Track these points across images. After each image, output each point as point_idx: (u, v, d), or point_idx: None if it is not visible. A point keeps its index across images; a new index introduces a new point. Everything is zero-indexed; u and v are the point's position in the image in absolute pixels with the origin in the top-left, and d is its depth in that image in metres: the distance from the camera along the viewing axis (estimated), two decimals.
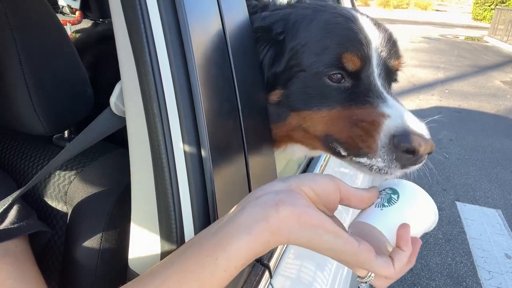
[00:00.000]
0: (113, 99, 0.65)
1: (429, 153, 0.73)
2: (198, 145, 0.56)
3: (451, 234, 3.40)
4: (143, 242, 0.64)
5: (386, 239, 0.60)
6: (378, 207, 0.64)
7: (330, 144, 0.81)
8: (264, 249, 0.52)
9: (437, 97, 7.25)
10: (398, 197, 0.64)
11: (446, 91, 7.74)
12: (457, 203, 3.90)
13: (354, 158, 0.78)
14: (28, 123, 0.78)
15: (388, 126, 0.74)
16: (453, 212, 3.73)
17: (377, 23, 0.88)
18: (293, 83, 0.83)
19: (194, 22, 0.58)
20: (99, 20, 2.26)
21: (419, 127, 0.73)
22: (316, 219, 0.54)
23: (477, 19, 22.82)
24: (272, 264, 0.77)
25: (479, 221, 3.61)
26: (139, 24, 0.55)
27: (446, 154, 4.96)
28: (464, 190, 4.16)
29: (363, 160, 0.76)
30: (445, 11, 29.43)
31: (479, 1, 22.91)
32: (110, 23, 0.60)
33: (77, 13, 2.23)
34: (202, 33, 0.60)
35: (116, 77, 0.63)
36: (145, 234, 0.64)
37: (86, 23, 2.32)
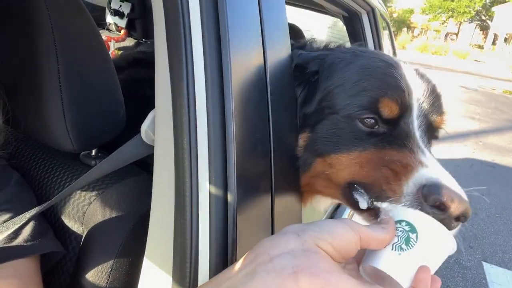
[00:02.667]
0: (144, 127, 0.64)
1: (462, 216, 0.63)
2: (225, 188, 0.53)
3: None
4: (154, 281, 0.61)
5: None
6: (395, 250, 0.57)
7: (352, 193, 0.74)
8: None
9: (470, 149, 7.01)
10: (416, 237, 0.57)
11: (480, 143, 7.49)
12: (484, 263, 3.67)
13: (374, 203, 0.69)
14: (58, 139, 0.77)
15: (421, 174, 0.66)
16: (479, 273, 3.51)
17: (421, 73, 0.84)
18: (322, 126, 0.79)
19: (236, 57, 0.56)
20: (142, 40, 2.33)
21: (456, 187, 0.65)
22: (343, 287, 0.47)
23: None
24: None
25: (507, 286, 3.38)
26: (181, 56, 0.54)
27: (475, 210, 4.74)
28: (492, 251, 3.92)
29: (384, 205, 0.67)
30: (484, 62, 29.02)
31: None
32: (151, 44, 0.59)
33: (122, 31, 2.31)
34: (243, 69, 0.58)
35: (137, 103, 0.61)
36: (157, 273, 0.60)
37: (130, 42, 2.40)
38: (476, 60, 29.05)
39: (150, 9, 0.58)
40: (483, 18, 45.34)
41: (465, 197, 0.64)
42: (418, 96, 0.78)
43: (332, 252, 0.50)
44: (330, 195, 0.82)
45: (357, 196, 0.72)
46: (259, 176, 0.63)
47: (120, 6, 2.25)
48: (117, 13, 2.26)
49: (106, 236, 0.78)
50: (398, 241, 0.57)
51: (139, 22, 2.26)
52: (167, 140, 0.57)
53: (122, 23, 2.28)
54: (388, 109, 0.74)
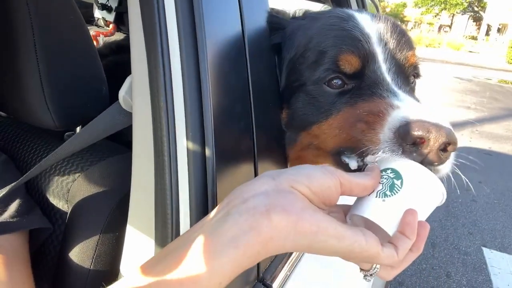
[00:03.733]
0: (122, 93, 0.63)
1: (447, 144, 0.58)
2: (202, 142, 0.52)
3: (475, 281, 3.18)
4: (137, 247, 0.60)
5: (389, 234, 0.54)
6: (379, 196, 0.55)
7: (341, 158, 0.72)
8: (253, 261, 0.45)
9: (467, 138, 7.02)
10: (401, 183, 0.55)
11: (477, 132, 7.50)
12: (484, 249, 3.68)
13: (359, 160, 0.67)
14: (38, 116, 0.76)
15: (394, 117, 0.63)
16: (479, 258, 3.51)
17: (379, 16, 0.80)
18: (296, 99, 0.77)
19: (211, 17, 0.55)
20: None
21: (433, 117, 0.61)
22: (316, 225, 0.46)
23: None
24: (276, 285, 0.70)
25: (507, 270, 3.38)
26: (153, 14, 0.53)
27: (474, 197, 4.74)
28: (491, 236, 3.93)
29: (368, 159, 0.64)
30: (478, 52, 29.06)
31: None
32: None
33: (111, 25, 2.29)
34: (218, 29, 0.57)
35: (119, 88, 0.60)
36: (140, 238, 0.59)
37: (119, 36, 2.39)
38: (470, 51, 29.11)
39: None
40: (476, 9, 45.46)
41: (444, 124, 0.60)
42: (379, 39, 0.74)
43: (309, 195, 0.49)
44: (322, 163, 0.80)
45: (345, 158, 0.71)
46: (240, 134, 0.62)
47: (108, 0, 2.23)
48: (104, 7, 2.25)
49: (91, 212, 0.77)
50: (382, 188, 0.56)
51: (127, 15, 2.25)
52: (144, 103, 0.56)
53: (110, 17, 2.26)
54: (348, 64, 0.72)
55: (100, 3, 2.24)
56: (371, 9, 2.49)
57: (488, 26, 47.01)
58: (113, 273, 0.69)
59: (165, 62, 0.53)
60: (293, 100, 0.78)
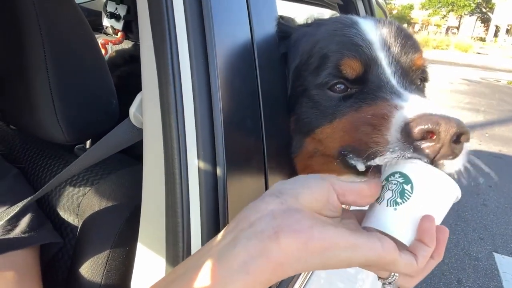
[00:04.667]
0: (132, 110, 0.63)
1: (460, 135, 0.56)
2: (214, 162, 0.52)
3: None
4: (148, 264, 0.59)
5: (405, 244, 0.51)
6: (390, 205, 0.52)
7: (347, 160, 0.70)
8: (264, 286, 0.44)
9: (476, 140, 6.94)
10: (412, 187, 0.52)
11: (486, 135, 7.42)
12: (495, 254, 3.62)
13: (368, 163, 0.65)
14: (49, 130, 0.76)
15: (398, 117, 0.60)
16: (491, 264, 3.46)
17: (384, 21, 0.79)
18: (300, 105, 0.77)
19: (220, 30, 0.55)
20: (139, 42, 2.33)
21: (439, 111, 0.58)
22: (328, 241, 0.44)
23: None
24: None
25: None
26: (164, 31, 0.53)
27: (484, 201, 4.68)
28: (503, 241, 3.87)
29: (377, 161, 0.62)
30: (487, 54, 28.80)
31: None
32: None
33: (119, 34, 2.31)
34: (228, 42, 0.57)
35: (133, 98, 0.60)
36: (151, 255, 0.59)
37: (127, 44, 2.40)
38: (478, 53, 28.85)
39: None
40: (484, 10, 45.11)
41: (452, 116, 0.57)
42: (382, 44, 0.74)
43: (314, 205, 0.48)
44: (331, 171, 0.77)
45: (352, 161, 0.69)
46: (251, 149, 0.61)
47: (116, 8, 2.25)
48: (113, 15, 2.26)
49: (102, 227, 0.77)
50: (392, 195, 0.53)
51: (135, 23, 2.26)
52: (155, 120, 0.56)
53: (119, 25, 2.28)
54: (350, 69, 0.71)
55: (109, 12, 2.26)
56: (379, 14, 2.48)
57: (497, 27, 46.59)
58: None
59: (175, 79, 0.53)
60: (297, 106, 0.78)
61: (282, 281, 0.72)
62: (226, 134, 0.53)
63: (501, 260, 3.52)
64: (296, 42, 0.81)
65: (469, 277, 3.27)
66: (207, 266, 0.43)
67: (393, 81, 0.71)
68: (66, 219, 0.80)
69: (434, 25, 52.18)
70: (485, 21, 48.32)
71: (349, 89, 0.72)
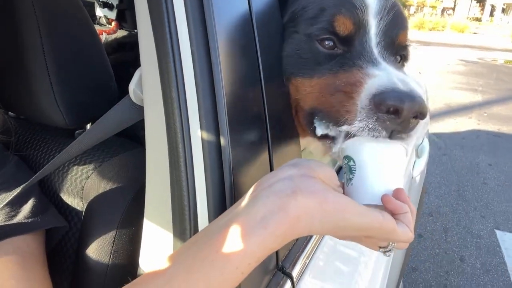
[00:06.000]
0: (132, 86, 0.62)
1: (420, 114, 0.61)
2: (217, 132, 0.51)
3: (490, 264, 3.16)
4: (155, 241, 0.60)
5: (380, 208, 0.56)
6: (347, 184, 0.59)
7: (313, 121, 0.73)
8: (281, 242, 0.47)
9: (475, 120, 6.94)
10: (354, 161, 0.59)
11: (485, 114, 7.41)
12: (497, 231, 3.65)
13: (336, 128, 0.68)
14: (49, 114, 0.76)
15: (370, 86, 0.64)
16: (493, 241, 3.49)
17: None
18: (287, 45, 0.77)
19: (219, 1, 0.54)
20: (134, 31, 2.30)
21: (408, 85, 0.63)
22: (340, 204, 0.49)
23: None
24: (295, 273, 0.70)
25: None
26: (160, 3, 0.52)
27: (484, 180, 4.70)
28: (504, 218, 3.90)
29: (344, 128, 0.66)
30: (483, 34, 28.60)
31: None
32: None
33: (113, 23, 2.28)
34: (226, 10, 0.56)
35: (124, 87, 0.60)
36: (158, 232, 0.59)
37: (122, 33, 2.37)
38: (474, 33, 28.68)
39: None
40: None
41: (418, 95, 0.62)
42: (375, 13, 0.76)
43: (325, 180, 0.53)
44: (302, 128, 0.80)
45: (316, 123, 0.73)
46: (253, 118, 0.61)
47: None
48: (106, 5, 2.23)
49: (107, 208, 0.77)
50: (346, 175, 0.59)
51: (129, 12, 2.24)
52: (155, 95, 0.56)
53: (112, 15, 2.25)
54: (343, 27, 0.73)
55: (101, 1, 2.22)
56: None
57: (492, 6, 46.24)
58: (132, 268, 0.69)
59: (174, 51, 0.52)
60: (285, 45, 0.78)
61: (285, 260, 0.72)
62: (228, 103, 0.53)
63: (503, 236, 3.55)
64: None
65: (471, 255, 3.30)
66: (229, 224, 0.46)
67: (375, 50, 0.73)
68: (70, 203, 0.80)
69: (430, 6, 51.76)
70: (481, 0, 47.92)
71: (336, 48, 0.74)
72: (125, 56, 1.10)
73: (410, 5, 52.60)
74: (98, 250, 0.74)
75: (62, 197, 0.81)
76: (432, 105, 7.78)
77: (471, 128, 6.48)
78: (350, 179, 0.59)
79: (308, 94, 0.73)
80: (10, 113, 0.94)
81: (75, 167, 0.80)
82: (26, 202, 0.76)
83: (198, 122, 0.51)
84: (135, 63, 0.62)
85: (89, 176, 0.79)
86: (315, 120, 0.72)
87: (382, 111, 0.61)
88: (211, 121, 0.51)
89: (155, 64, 0.54)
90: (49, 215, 0.78)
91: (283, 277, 0.67)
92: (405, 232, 0.54)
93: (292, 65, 0.76)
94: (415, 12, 42.31)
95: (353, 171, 0.59)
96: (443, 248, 3.38)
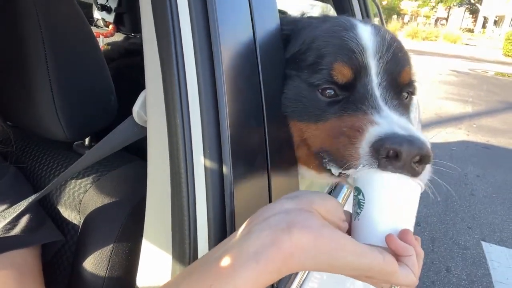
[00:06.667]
0: (136, 108, 0.63)
1: (421, 157, 0.61)
2: (220, 160, 0.53)
3: (475, 275, 3.21)
4: (154, 260, 0.60)
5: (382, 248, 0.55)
6: (355, 218, 0.59)
7: (323, 160, 0.74)
8: (274, 278, 0.46)
9: (464, 131, 7.04)
10: (363, 195, 0.59)
11: (474, 125, 7.52)
12: (483, 243, 3.71)
13: (342, 172, 0.69)
14: (50, 128, 0.76)
15: (371, 133, 0.65)
16: (478, 253, 3.54)
17: (379, 29, 0.81)
18: (288, 87, 0.78)
19: (225, 32, 0.56)
20: (131, 34, 2.30)
21: (409, 130, 0.64)
22: (335, 241, 0.48)
23: (508, 55, 22.40)
24: None
25: (506, 264, 3.41)
26: (168, 31, 0.53)
27: (472, 191, 4.77)
28: (490, 230, 3.96)
29: (350, 172, 0.67)
30: (475, 45, 29.02)
31: (511, 37, 22.54)
32: (141, 37, 0.58)
33: (111, 26, 2.28)
34: (232, 44, 0.58)
35: (130, 89, 0.61)
36: (157, 252, 0.60)
37: (119, 37, 2.37)
38: (466, 44, 29.08)
39: (138, 2, 0.57)
40: (472, 1, 45.38)
41: (418, 138, 0.62)
42: (374, 53, 0.76)
43: (325, 215, 0.52)
44: (308, 164, 0.81)
45: (328, 165, 0.73)
46: (254, 149, 0.62)
47: (107, 0, 2.22)
48: (104, 8, 2.23)
49: (104, 223, 0.77)
50: (354, 209, 0.59)
51: (127, 16, 2.24)
52: (159, 119, 0.57)
53: (110, 18, 2.25)
54: (341, 75, 0.73)
55: (100, 4, 2.22)
56: (371, 5, 2.49)
57: (485, 18, 46.96)
58: (128, 283, 0.70)
59: (180, 78, 0.53)
60: (286, 87, 0.79)
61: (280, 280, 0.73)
62: (232, 132, 0.54)
63: (488, 248, 3.61)
64: (301, 30, 0.83)
65: (457, 265, 3.34)
66: (222, 257, 0.46)
67: (377, 92, 0.74)
68: (67, 217, 0.80)
69: (423, 16, 52.36)
70: (474, 12, 48.64)
71: (337, 96, 0.75)
72: (133, 61, 1.10)
73: (404, 14, 53.12)
74: (94, 265, 0.75)
75: (60, 210, 0.81)
76: (423, 114, 7.87)
77: (461, 139, 6.58)
78: (358, 214, 0.58)
79: (314, 136, 0.74)
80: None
81: (73, 181, 0.80)
82: (23, 215, 0.76)
83: (202, 149, 0.52)
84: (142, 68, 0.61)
85: (87, 190, 0.80)
86: (324, 163, 0.73)
87: (382, 155, 0.61)
88: (214, 150, 0.53)
89: (160, 90, 0.55)
90: (46, 229, 0.78)
91: None
92: (407, 275, 0.53)
93: (294, 109, 0.77)
94: (409, 21, 42.78)
95: (362, 206, 0.58)
96: (430, 258, 3.43)
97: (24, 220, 0.75)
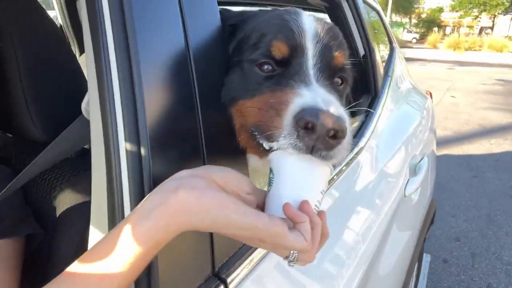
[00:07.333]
0: (83, 105, 0.70)
1: (335, 131, 0.62)
2: (138, 143, 0.58)
3: None
4: (97, 238, 0.65)
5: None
6: (267, 196, 0.63)
7: (256, 138, 0.74)
8: (165, 235, 0.51)
9: (511, 142, 6.62)
10: (272, 174, 0.62)
11: None
12: None
13: (269, 144, 0.70)
14: (27, 130, 0.85)
15: (296, 104, 0.66)
16: None
17: (321, 20, 0.85)
18: (232, 74, 0.82)
19: (146, 31, 0.62)
20: None
21: (330, 105, 0.65)
22: (218, 200, 0.52)
23: None
24: (231, 280, 0.72)
25: None
26: (99, 45, 0.60)
27: None
28: None
29: (274, 144, 0.67)
30: None
31: None
32: None
33: None
34: (155, 41, 0.63)
35: None
36: (99, 233, 0.65)
37: None
38: None
39: None
40: None
41: (334, 113, 0.63)
42: (312, 36, 0.79)
43: (222, 183, 0.56)
44: (250, 149, 0.82)
45: (260, 140, 0.74)
46: (183, 136, 0.66)
47: None
48: None
49: (76, 218, 0.84)
50: (268, 186, 0.62)
51: None
52: (96, 112, 0.63)
53: None
54: (278, 50, 0.76)
55: None
56: (369, 12, 2.45)
57: None
58: None
59: (108, 82, 0.59)
60: (229, 74, 0.83)
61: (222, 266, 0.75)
62: (150, 116, 0.59)
63: None
64: (247, 19, 0.88)
65: (500, 282, 3.10)
66: (123, 221, 0.52)
67: (311, 71, 0.76)
68: (45, 212, 0.88)
69: (466, 26, 50.49)
70: None
71: (274, 71, 0.78)
72: None
73: (445, 26, 51.45)
74: (64, 258, 0.81)
75: (38, 205, 0.89)
76: (466, 125, 7.50)
77: (506, 150, 6.19)
78: (268, 191, 0.63)
79: (249, 110, 0.77)
80: None
81: (48, 179, 0.89)
82: (7, 209, 0.84)
83: (123, 134, 0.58)
84: None
85: (62, 190, 0.87)
86: (258, 138, 0.74)
87: (301, 127, 0.63)
88: (133, 134, 0.58)
89: (97, 92, 0.62)
90: (27, 223, 0.86)
91: (216, 283, 0.70)
92: (297, 239, 0.56)
93: (236, 90, 0.80)
94: (451, 33, 41.38)
95: (271, 183, 0.62)
96: (469, 275, 3.21)
97: (5, 214, 0.83)
